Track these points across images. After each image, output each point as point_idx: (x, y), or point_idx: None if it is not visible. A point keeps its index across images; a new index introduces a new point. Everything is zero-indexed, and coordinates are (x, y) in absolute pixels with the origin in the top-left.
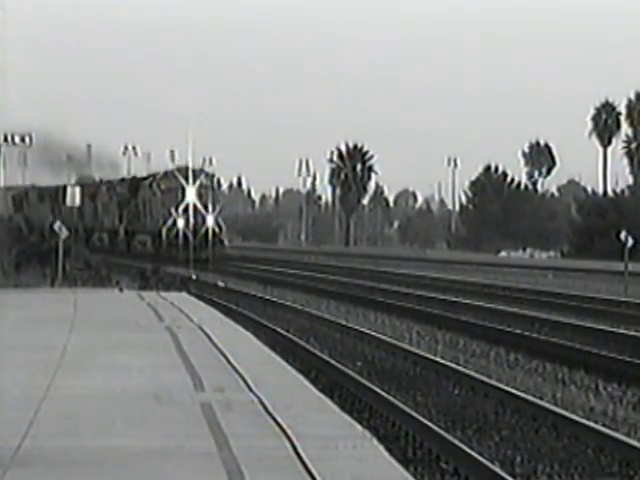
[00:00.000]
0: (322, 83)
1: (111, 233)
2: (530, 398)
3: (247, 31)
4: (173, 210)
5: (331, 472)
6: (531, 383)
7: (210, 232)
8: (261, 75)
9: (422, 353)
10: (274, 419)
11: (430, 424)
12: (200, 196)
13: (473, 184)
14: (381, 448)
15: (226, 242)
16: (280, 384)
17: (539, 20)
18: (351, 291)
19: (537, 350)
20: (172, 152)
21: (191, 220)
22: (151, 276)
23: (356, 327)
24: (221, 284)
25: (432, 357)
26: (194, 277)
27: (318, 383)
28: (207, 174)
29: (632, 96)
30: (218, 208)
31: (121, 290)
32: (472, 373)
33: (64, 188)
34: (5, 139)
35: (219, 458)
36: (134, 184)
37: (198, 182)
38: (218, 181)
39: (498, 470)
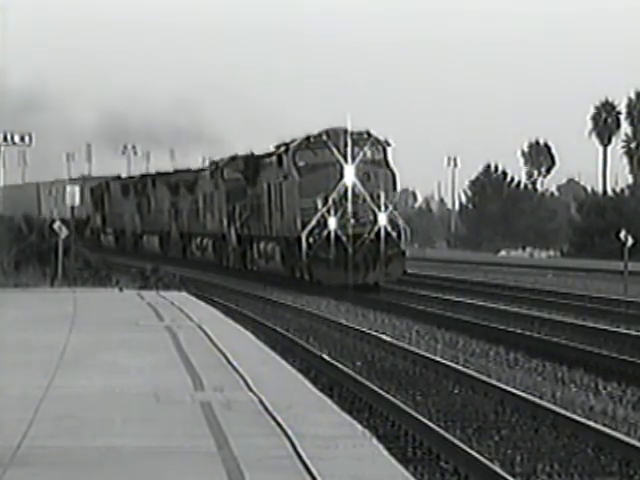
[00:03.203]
0: (320, 82)
1: (217, 239)
2: (530, 397)
3: (239, 26)
4: (320, 202)
5: (331, 471)
6: (531, 382)
7: (383, 237)
8: (259, 73)
9: (422, 352)
10: (274, 418)
11: (430, 423)
12: (366, 178)
13: (473, 183)
14: (381, 447)
15: (407, 253)
16: (280, 383)
17: (539, 20)
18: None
19: (537, 349)
20: (172, 151)
21: (350, 219)
22: (151, 275)
23: (356, 327)
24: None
25: (432, 356)
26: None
27: (318, 382)
28: (377, 140)
29: (632, 95)
30: (395, 198)
31: (121, 290)
32: (472, 372)
33: (154, 178)
34: (5, 138)
35: (219, 457)
36: (252, 164)
37: (361, 155)
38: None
39: (498, 469)
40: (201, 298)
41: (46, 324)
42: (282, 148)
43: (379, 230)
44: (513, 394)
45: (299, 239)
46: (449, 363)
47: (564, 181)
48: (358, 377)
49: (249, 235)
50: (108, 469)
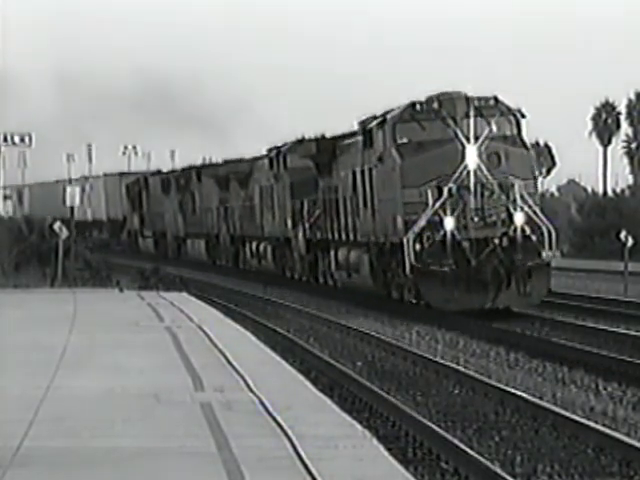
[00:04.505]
0: (319, 79)
1: (278, 244)
2: (530, 398)
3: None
4: (431, 193)
5: (331, 472)
6: (531, 383)
7: (519, 243)
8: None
9: (422, 353)
10: (274, 419)
11: (430, 424)
12: (496, 160)
13: None
14: (381, 448)
15: (552, 263)
16: (280, 384)
17: (538, 20)
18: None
19: (537, 350)
20: (172, 152)
21: (474, 217)
22: (151, 276)
23: (356, 327)
24: None
25: (432, 357)
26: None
27: (318, 383)
28: (508, 109)
29: (632, 96)
30: (535, 189)
31: (121, 290)
32: (472, 373)
33: (199, 170)
34: (5, 139)
35: (219, 458)
36: (327, 147)
37: (488, 128)
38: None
39: (498, 470)
40: (201, 299)
41: (46, 325)
42: (373, 122)
43: (514, 233)
44: (513, 395)
45: (400, 245)
46: (449, 364)
47: (564, 181)
48: (359, 377)
49: (323, 239)
50: (108, 470)
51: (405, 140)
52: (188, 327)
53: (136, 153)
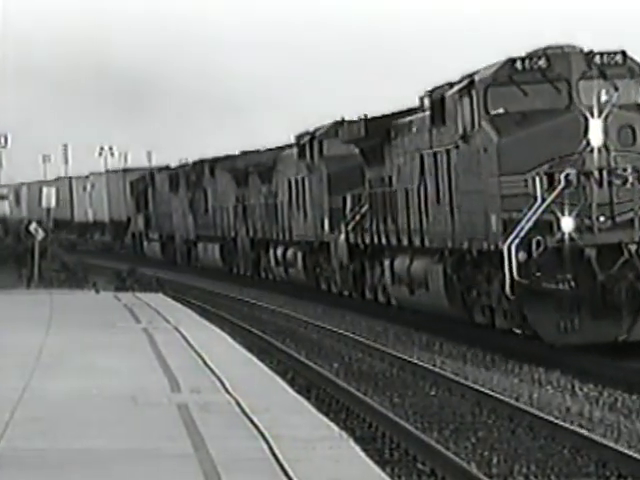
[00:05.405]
0: (317, 80)
1: (311, 250)
2: (506, 399)
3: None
4: (539, 183)
5: (308, 473)
6: (507, 384)
7: None
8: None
9: (399, 354)
10: (251, 420)
11: (407, 425)
12: (630, 137)
13: None
14: (358, 449)
15: None
16: (257, 385)
17: (535, 20)
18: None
19: (513, 351)
20: (149, 152)
21: (600, 215)
22: (127, 277)
23: (333, 328)
24: None
25: (409, 358)
26: None
27: (295, 384)
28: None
29: None
30: None
31: (97, 291)
32: (449, 374)
33: (212, 164)
34: None
35: (196, 460)
36: (377, 129)
37: (616, 94)
38: None
39: (474, 471)
40: (177, 300)
41: (22, 326)
42: (451, 90)
43: None
44: (490, 396)
45: (496, 254)
46: (426, 365)
47: None
48: (335, 379)
49: (372, 245)
50: (84, 472)
51: (501, 110)
52: (165, 328)
53: (112, 154)
